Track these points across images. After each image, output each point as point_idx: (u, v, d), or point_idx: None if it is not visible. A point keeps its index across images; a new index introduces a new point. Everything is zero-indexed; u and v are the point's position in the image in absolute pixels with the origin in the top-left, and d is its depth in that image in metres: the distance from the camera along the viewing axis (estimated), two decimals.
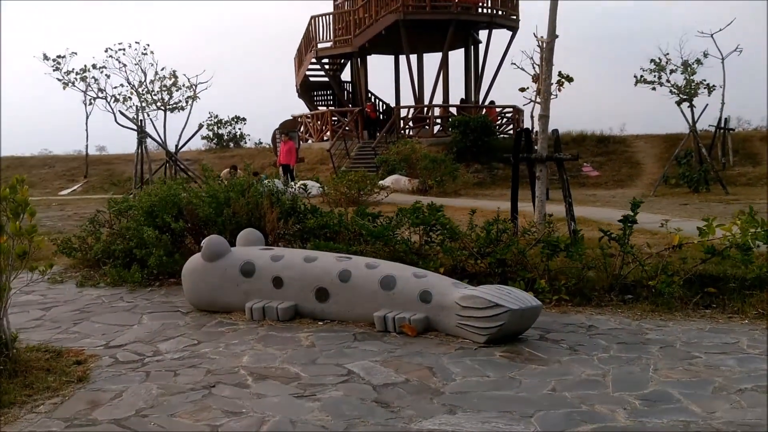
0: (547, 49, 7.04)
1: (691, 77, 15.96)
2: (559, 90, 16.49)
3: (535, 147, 7.19)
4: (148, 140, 17.77)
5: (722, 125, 20.44)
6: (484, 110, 26.33)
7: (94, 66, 18.71)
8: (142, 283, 6.48)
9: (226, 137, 29.41)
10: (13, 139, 63.29)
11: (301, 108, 29.55)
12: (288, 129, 20.60)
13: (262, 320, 5.02)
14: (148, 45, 17.84)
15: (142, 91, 16.53)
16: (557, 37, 7.03)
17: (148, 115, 16.93)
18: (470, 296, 4.39)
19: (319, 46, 26.21)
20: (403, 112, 26.11)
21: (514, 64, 17.27)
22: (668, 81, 16.19)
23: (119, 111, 16.67)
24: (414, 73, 28.10)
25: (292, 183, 19.05)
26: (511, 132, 25.74)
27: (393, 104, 29.05)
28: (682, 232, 5.80)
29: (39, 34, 73.45)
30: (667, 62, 16.23)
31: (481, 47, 27.35)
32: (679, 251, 5.56)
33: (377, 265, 4.99)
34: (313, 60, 26.40)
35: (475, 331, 4.33)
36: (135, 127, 16.90)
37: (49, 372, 3.80)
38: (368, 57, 27.87)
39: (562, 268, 5.63)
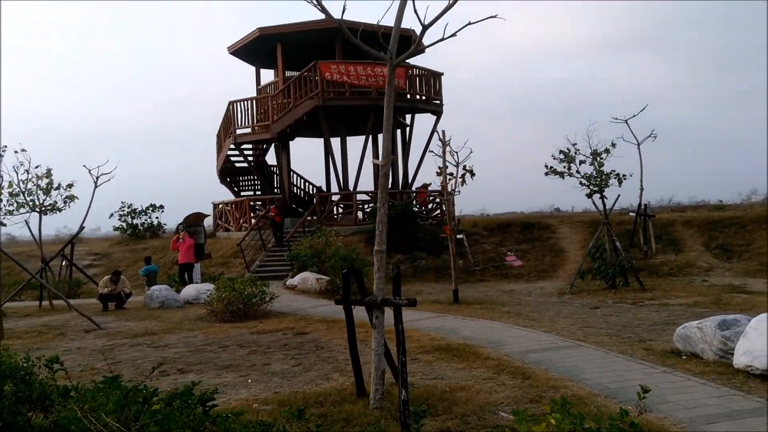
0: (382, 174, 6.06)
1: (600, 168, 15.40)
2: (463, 184, 15.91)
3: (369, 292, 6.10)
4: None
5: (642, 211, 20.02)
6: (415, 194, 25.69)
7: None
8: None
9: (140, 227, 27.93)
10: None
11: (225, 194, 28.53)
12: (192, 223, 19.35)
13: None
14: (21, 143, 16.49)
15: (13, 192, 15.15)
16: (393, 158, 6.06)
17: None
18: None
19: (238, 131, 25.39)
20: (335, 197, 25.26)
21: (432, 151, 16.76)
22: (578, 172, 15.61)
23: None
24: (337, 157, 27.51)
25: (195, 283, 17.85)
26: (438, 216, 25.07)
27: (324, 187, 28.27)
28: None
29: None
30: (576, 152, 15.69)
31: (409, 131, 26.99)
32: None
33: None
34: (232, 146, 25.50)
35: None
36: None
37: None
38: (293, 141, 27.24)
39: None
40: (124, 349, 10.19)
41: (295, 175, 29.23)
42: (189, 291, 16.45)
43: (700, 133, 67.76)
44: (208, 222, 28.76)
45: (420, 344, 8.97)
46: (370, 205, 24.42)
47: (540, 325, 10.51)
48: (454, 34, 6.13)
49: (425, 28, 5.75)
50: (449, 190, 14.76)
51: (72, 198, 15.42)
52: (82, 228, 17.32)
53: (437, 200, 25.75)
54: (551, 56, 79.55)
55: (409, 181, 27.12)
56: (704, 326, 7.40)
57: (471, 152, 17.79)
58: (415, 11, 5.67)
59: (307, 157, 39.98)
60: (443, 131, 15.02)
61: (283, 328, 11.11)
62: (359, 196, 25.70)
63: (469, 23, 5.84)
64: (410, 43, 25.81)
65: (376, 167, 28.80)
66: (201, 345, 10.09)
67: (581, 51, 79.79)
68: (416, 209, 25.03)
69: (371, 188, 27.45)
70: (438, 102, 26.23)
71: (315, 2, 5.73)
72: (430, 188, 25.51)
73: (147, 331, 11.83)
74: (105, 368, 8.73)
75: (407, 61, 26.97)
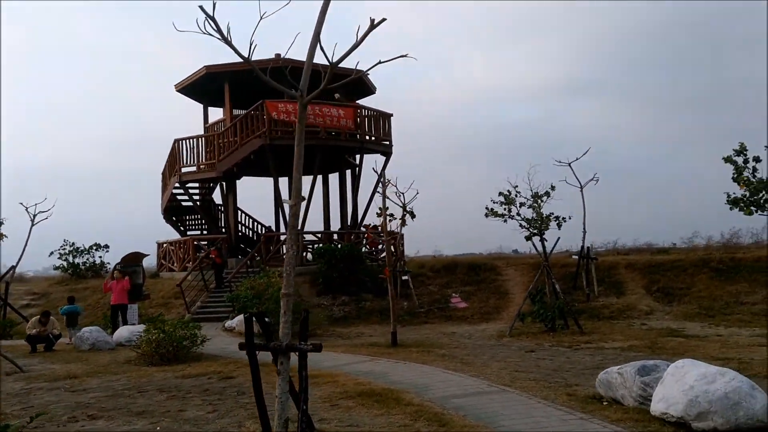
0: (291, 214, 5.87)
1: (540, 210, 15.50)
2: (403, 224, 15.84)
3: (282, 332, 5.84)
4: None
5: (585, 254, 20.19)
6: (365, 235, 25.49)
7: None
8: None
9: (82, 267, 27.07)
10: None
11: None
12: (129, 263, 18.80)
13: None
14: None
15: None
16: (304, 199, 5.89)
17: None
18: None
19: (184, 170, 24.99)
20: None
21: (379, 192, 16.67)
22: (518, 214, 15.69)
23: None
24: (285, 197, 27.28)
25: (131, 324, 17.23)
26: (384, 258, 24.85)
27: (274, 227, 27.90)
28: None
29: None
30: (516, 195, 15.79)
31: (358, 171, 26.95)
32: None
33: None
34: (177, 184, 25.06)
35: None
36: None
37: None
38: (240, 180, 26.92)
39: None
40: (40, 393, 9.73)
41: (243, 215, 28.84)
42: (122, 333, 15.90)
43: (653, 175, 69.66)
44: (151, 262, 28.12)
45: (344, 389, 8.71)
46: (317, 245, 24.16)
47: (471, 369, 10.34)
48: (367, 71, 6.08)
49: (333, 66, 5.67)
50: (389, 231, 14.62)
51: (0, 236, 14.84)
52: (12, 267, 16.67)
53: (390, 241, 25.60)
54: (510, 99, 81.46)
55: (358, 221, 26.99)
56: (624, 372, 7.32)
57: (417, 193, 17.94)
58: (322, 49, 5.60)
59: (257, 196, 39.54)
60: (383, 172, 14.99)
61: (210, 372, 10.72)
62: (307, 236, 25.48)
63: (380, 62, 5.78)
64: (351, 80, 25.67)
65: (326, 207, 28.71)
66: (121, 389, 9.65)
67: (538, 94, 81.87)
68: (365, 250, 24.86)
69: (321, 228, 27.31)
70: (387, 143, 26.28)
71: (222, 39, 5.59)
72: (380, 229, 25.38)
73: (69, 374, 11.31)
74: (16, 413, 8.31)
75: (359, 101, 27.22)
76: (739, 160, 9.94)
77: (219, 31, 5.38)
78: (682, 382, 6.33)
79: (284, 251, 25.40)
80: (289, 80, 6.30)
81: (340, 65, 6.39)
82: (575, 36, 74.93)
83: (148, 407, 8.29)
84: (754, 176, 9.85)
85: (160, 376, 10.78)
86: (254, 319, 6.02)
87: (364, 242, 25.25)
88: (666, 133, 72.92)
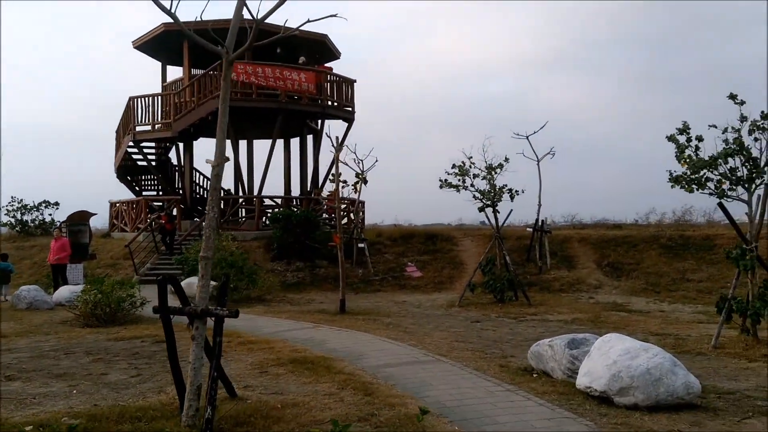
0: (213, 175, 5.67)
1: (493, 182, 15.45)
2: (355, 190, 15.64)
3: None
4: None
5: (539, 227, 20.29)
6: (324, 201, 25.21)
7: None
8: None
9: (31, 224, 26.39)
10: None
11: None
12: (75, 222, 18.32)
13: None
14: None
15: None
16: (228, 160, 5.69)
17: None
18: None
19: (138, 129, 24.37)
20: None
21: (342, 161, 16.43)
22: (472, 185, 15.61)
23: None
24: (244, 160, 26.93)
25: (75, 284, 16.85)
26: (345, 226, 24.61)
27: (233, 190, 27.44)
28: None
29: None
30: (470, 166, 15.70)
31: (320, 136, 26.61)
32: None
33: None
34: (131, 143, 24.45)
35: None
36: None
37: None
38: (197, 141, 26.36)
39: None
40: None
41: (201, 176, 28.34)
42: (62, 293, 15.52)
43: (615, 152, 70.29)
44: (103, 221, 27.56)
45: (278, 356, 8.59)
46: (275, 210, 23.88)
47: (412, 338, 10.30)
48: (296, 30, 5.87)
49: (257, 23, 5.45)
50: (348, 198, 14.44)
51: None
52: None
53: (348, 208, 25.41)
54: (478, 74, 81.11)
55: (318, 186, 26.73)
56: (554, 344, 7.31)
57: (376, 161, 17.77)
58: (247, 8, 5.38)
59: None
60: (337, 137, 14.75)
61: (145, 335, 10.50)
62: (266, 201, 25.16)
63: (308, 21, 5.58)
64: (318, 43, 24.95)
65: (287, 172, 28.32)
66: (47, 351, 9.39)
67: (508, 69, 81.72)
68: (325, 216, 24.64)
69: (281, 193, 26.96)
70: (350, 109, 25.98)
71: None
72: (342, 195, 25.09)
73: None
74: None
75: (324, 65, 26.75)
76: (682, 138, 9.92)
77: None
78: (607, 357, 6.33)
79: (241, 214, 25.14)
80: (214, 37, 6.05)
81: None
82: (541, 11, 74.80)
83: (70, 369, 8.07)
84: (697, 155, 9.86)
85: (91, 338, 10.54)
86: (172, 284, 5.84)
87: (324, 208, 25.01)
88: (629, 110, 73.49)
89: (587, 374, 6.45)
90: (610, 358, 6.27)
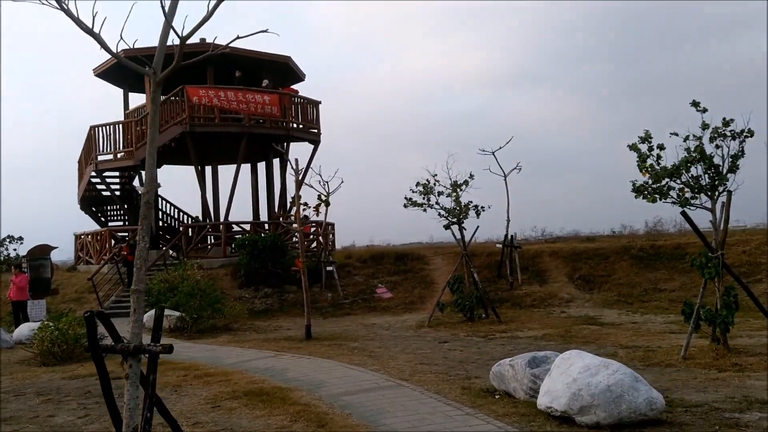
0: (143, 203, 5.34)
1: (459, 199, 15.26)
2: (317, 213, 15.35)
3: (123, 338, 5.33)
4: None
5: (509, 242, 20.13)
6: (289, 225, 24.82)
7: None
8: None
9: None
10: None
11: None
12: (36, 257, 17.79)
13: None
14: None
15: None
16: (159, 186, 5.38)
17: None
18: None
19: (100, 158, 23.89)
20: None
21: (308, 184, 16.11)
22: (437, 203, 15.41)
23: None
24: (209, 186, 26.54)
25: (35, 321, 16.29)
26: (315, 249, 24.23)
27: (201, 217, 26.93)
28: None
29: None
30: (435, 184, 15.50)
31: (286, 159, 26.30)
32: None
33: None
34: (93, 173, 23.96)
35: None
36: None
37: None
38: (161, 168, 25.91)
39: None
40: None
41: (168, 205, 27.88)
42: (22, 331, 14.95)
43: (586, 166, 70.96)
44: (69, 254, 26.91)
45: (234, 388, 8.25)
46: (240, 236, 23.47)
47: (375, 362, 9.99)
48: (225, 47, 5.61)
49: (183, 40, 5.17)
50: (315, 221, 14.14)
51: None
52: None
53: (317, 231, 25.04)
54: (449, 90, 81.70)
55: (286, 210, 26.37)
56: (516, 364, 7.07)
57: (342, 182, 17.48)
58: (173, 28, 5.12)
59: (188, 184, 38.24)
60: (296, 159, 14.50)
61: None
62: (234, 227, 24.76)
63: (238, 37, 5.32)
64: (285, 69, 24.56)
65: (254, 197, 27.96)
66: None
67: (478, 85, 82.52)
68: (295, 240, 24.23)
69: (250, 218, 26.58)
70: (315, 131, 25.76)
71: (59, 7, 5.01)
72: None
73: None
74: None
75: (289, 87, 26.51)
76: (644, 147, 9.80)
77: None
78: (566, 375, 6.10)
79: (208, 242, 24.67)
80: (143, 60, 5.78)
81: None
82: (511, 28, 75.78)
83: (18, 412, 7.67)
84: (659, 164, 9.74)
85: (46, 377, 10.10)
86: (98, 319, 5.49)
87: (293, 232, 24.62)
88: (601, 125, 74.38)
89: (547, 393, 6.21)
90: (570, 376, 6.04)
